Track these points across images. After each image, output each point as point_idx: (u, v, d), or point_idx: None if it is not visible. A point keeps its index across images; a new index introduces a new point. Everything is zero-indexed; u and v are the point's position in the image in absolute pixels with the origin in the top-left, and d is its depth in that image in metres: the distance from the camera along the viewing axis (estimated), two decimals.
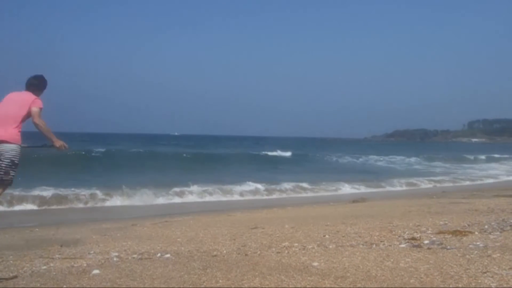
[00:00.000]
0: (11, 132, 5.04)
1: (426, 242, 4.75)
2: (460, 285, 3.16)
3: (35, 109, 5.15)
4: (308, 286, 3.37)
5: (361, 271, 3.69)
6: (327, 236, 5.51)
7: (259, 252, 4.74)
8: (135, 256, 4.95)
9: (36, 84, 5.47)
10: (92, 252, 5.32)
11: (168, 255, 4.86)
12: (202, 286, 3.53)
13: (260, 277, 3.68)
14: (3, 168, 4.98)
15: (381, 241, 4.96)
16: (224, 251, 4.92)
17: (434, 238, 4.91)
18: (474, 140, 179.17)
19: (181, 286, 3.55)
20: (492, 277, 3.29)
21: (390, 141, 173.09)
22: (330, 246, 4.83)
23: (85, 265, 4.53)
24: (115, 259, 4.83)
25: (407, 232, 5.40)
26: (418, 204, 9.49)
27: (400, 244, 4.75)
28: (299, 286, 3.38)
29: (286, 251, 4.69)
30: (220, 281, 3.63)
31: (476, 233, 5.11)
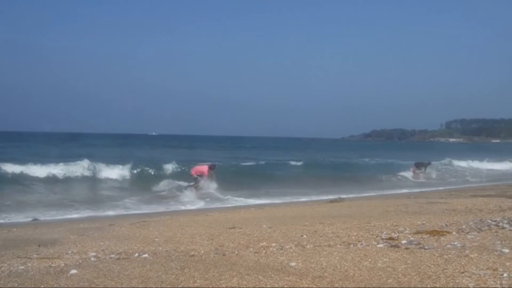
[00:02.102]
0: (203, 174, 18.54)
1: (403, 242, 4.78)
2: (437, 285, 3.19)
3: (207, 174, 18.48)
4: (286, 286, 3.37)
5: (339, 271, 3.70)
6: (304, 236, 5.52)
7: (236, 252, 4.73)
8: (112, 256, 4.90)
9: (212, 168, 19.04)
10: (69, 252, 5.26)
11: (146, 255, 4.82)
12: (180, 286, 3.51)
13: (238, 277, 3.67)
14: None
15: (359, 241, 4.98)
16: (202, 251, 4.90)
17: (412, 238, 4.95)
18: (451, 140, 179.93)
19: (159, 286, 3.53)
20: (469, 277, 3.32)
21: (368, 141, 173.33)
22: (308, 246, 4.83)
23: (62, 265, 4.48)
24: (92, 259, 4.79)
25: (384, 232, 5.44)
26: (395, 204, 9.57)
27: (377, 244, 4.77)
28: (277, 286, 3.38)
29: (264, 251, 4.69)
30: (198, 281, 3.61)
31: (454, 233, 5.16)
